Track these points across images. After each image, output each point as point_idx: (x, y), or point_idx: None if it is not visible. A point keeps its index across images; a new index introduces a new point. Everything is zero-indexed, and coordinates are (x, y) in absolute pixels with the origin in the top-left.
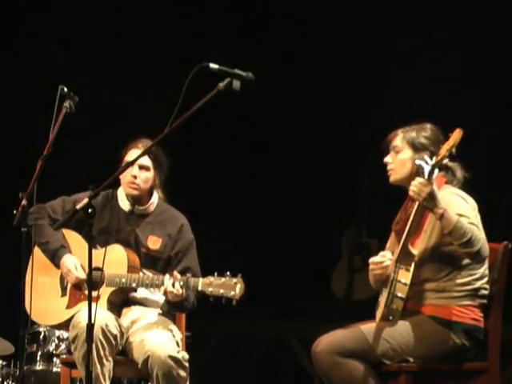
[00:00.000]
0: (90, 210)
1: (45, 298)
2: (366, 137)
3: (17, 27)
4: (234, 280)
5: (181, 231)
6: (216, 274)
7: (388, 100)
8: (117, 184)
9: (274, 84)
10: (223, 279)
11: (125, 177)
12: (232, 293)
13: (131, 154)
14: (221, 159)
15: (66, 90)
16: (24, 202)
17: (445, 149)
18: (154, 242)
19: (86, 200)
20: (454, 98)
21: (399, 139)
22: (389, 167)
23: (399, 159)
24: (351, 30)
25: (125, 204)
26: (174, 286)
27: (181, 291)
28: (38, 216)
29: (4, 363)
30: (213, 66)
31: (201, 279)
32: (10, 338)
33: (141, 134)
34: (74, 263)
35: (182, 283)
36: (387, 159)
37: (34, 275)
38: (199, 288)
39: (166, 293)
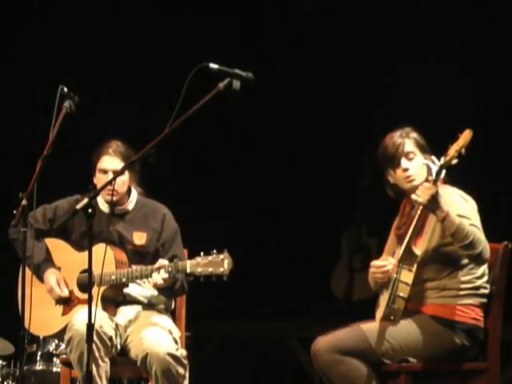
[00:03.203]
0: (89, 210)
1: (39, 309)
2: (366, 137)
3: (17, 27)
4: (221, 256)
5: (163, 222)
6: (202, 253)
7: (388, 100)
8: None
9: (273, 84)
10: (210, 257)
11: (100, 185)
12: (221, 269)
13: (104, 161)
14: (221, 160)
15: (65, 89)
16: (24, 202)
17: (454, 149)
18: (139, 238)
19: (85, 200)
20: (455, 99)
21: (410, 144)
22: (409, 173)
23: (417, 164)
24: (353, 28)
25: (104, 206)
26: (162, 277)
27: (167, 276)
28: (20, 229)
29: (4, 363)
30: (213, 65)
31: (188, 261)
32: (10, 337)
33: (141, 133)
34: (57, 279)
35: (170, 269)
36: (406, 166)
37: (26, 288)
38: (188, 270)
39: (155, 285)
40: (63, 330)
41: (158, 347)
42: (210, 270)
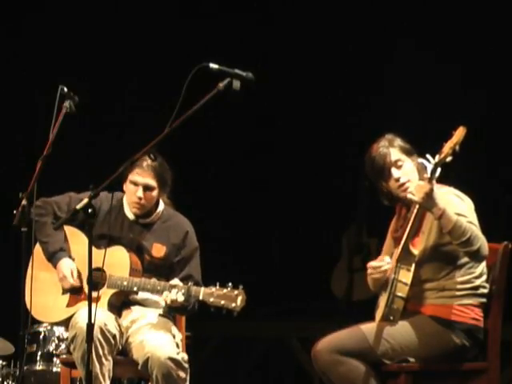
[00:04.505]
0: (89, 210)
1: (45, 295)
2: (366, 137)
3: (17, 27)
4: (236, 292)
5: (185, 239)
6: (218, 284)
7: (388, 99)
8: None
9: (272, 84)
10: (225, 290)
11: (130, 196)
12: (233, 304)
13: (137, 174)
14: (221, 160)
15: (65, 89)
16: (24, 202)
17: (448, 147)
18: (158, 250)
19: (86, 200)
20: (454, 98)
21: (396, 152)
22: (401, 181)
23: (408, 170)
24: (348, 31)
25: (130, 212)
26: (175, 294)
27: (181, 299)
28: (42, 212)
29: (4, 363)
30: (213, 65)
31: (202, 289)
32: (10, 337)
33: (141, 134)
34: (71, 268)
35: (183, 291)
36: (397, 175)
37: (34, 271)
38: (200, 297)
39: (165, 302)
40: (64, 321)
41: (159, 351)
42: (222, 302)
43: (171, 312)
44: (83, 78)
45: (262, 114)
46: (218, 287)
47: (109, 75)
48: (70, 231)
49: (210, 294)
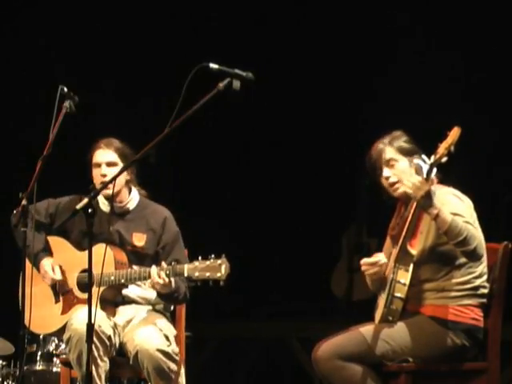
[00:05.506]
0: (89, 210)
1: (39, 308)
2: (366, 136)
3: (17, 27)
4: (219, 261)
5: (164, 225)
6: (200, 257)
7: (386, 99)
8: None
9: (270, 84)
10: (208, 262)
11: (96, 179)
12: (218, 274)
13: (96, 155)
14: (220, 160)
15: (65, 89)
16: (24, 202)
17: (443, 147)
18: (138, 239)
19: (86, 200)
20: (453, 98)
21: (390, 151)
22: (391, 181)
23: (400, 170)
24: (348, 31)
25: (105, 205)
26: (159, 276)
27: (167, 280)
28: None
29: (4, 363)
30: (213, 65)
31: (186, 265)
32: (10, 338)
33: (141, 133)
34: (52, 264)
35: (168, 272)
36: (387, 174)
37: (26, 287)
38: (185, 274)
39: (154, 285)
40: (62, 329)
41: (147, 344)
42: (208, 274)
43: (164, 301)
44: (83, 78)
45: (262, 114)
46: (200, 260)
47: (108, 75)
48: (52, 240)
49: (193, 268)
